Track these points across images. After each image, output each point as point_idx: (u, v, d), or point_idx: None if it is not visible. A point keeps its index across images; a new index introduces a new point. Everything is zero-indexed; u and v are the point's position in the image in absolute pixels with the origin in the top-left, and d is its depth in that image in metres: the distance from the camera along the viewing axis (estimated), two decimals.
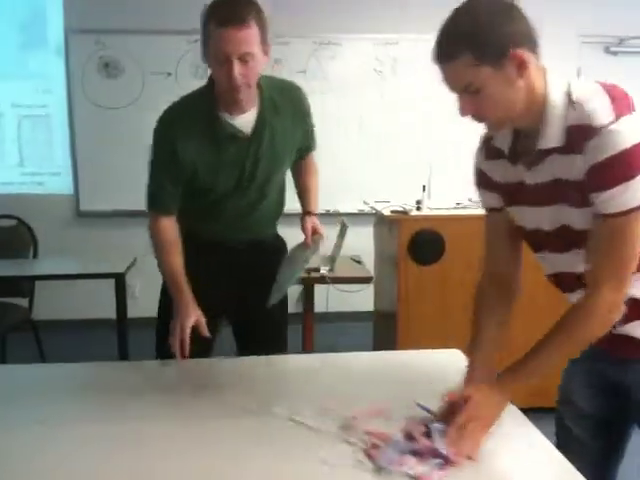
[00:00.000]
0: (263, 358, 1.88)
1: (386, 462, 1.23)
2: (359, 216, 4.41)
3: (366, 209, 4.03)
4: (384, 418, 1.42)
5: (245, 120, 1.84)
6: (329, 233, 3.66)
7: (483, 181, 1.55)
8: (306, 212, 2.09)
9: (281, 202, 2.14)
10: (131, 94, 4.58)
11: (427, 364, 1.82)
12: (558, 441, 1.52)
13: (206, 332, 1.78)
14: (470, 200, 3.45)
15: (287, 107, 1.93)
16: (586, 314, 1.32)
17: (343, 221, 3.35)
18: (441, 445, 1.24)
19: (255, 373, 1.77)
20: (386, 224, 3.36)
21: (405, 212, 3.16)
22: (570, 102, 1.26)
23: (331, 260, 3.33)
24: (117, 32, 4.52)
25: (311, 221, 2.04)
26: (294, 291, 4.68)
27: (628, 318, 1.34)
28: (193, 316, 1.77)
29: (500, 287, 1.58)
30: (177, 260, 1.88)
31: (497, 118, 1.33)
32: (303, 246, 2.03)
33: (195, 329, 1.77)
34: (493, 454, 1.29)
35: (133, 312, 3.36)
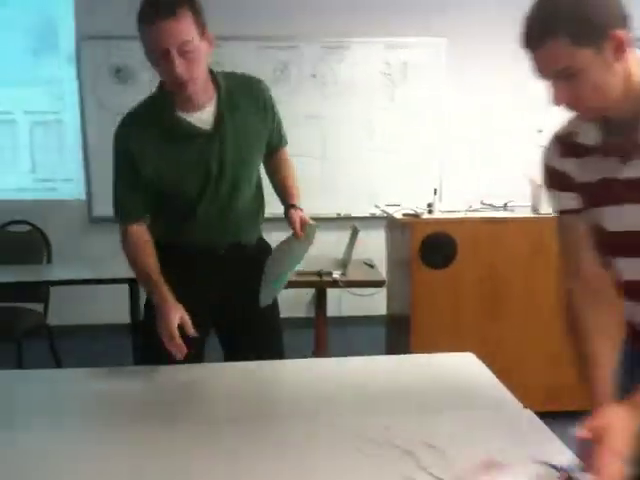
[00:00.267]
0: (278, 362, 1.89)
1: None
2: (370, 220, 4.41)
3: (377, 213, 4.03)
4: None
5: (203, 117, 1.80)
6: (340, 237, 3.70)
7: (558, 181, 1.42)
8: (290, 205, 1.96)
9: (259, 203, 2.05)
10: None
11: (441, 367, 1.82)
12: None
13: (192, 330, 1.72)
14: (482, 203, 3.45)
15: (247, 100, 1.88)
16: None
17: (354, 225, 3.35)
18: None
19: (276, 377, 1.78)
20: (398, 227, 3.36)
21: (417, 215, 3.16)
22: None
23: (343, 264, 3.33)
24: (128, 38, 4.48)
25: (296, 213, 1.92)
26: (306, 295, 4.69)
27: None
28: (177, 313, 1.73)
29: (597, 294, 1.40)
30: (151, 260, 1.84)
31: (593, 106, 1.22)
32: (292, 239, 1.92)
33: (181, 328, 1.72)
34: (507, 460, 1.28)
35: None
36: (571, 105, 1.25)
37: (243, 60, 4.54)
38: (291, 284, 3.25)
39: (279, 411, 1.55)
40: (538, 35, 1.19)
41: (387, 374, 1.79)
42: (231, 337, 2.07)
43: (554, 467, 1.21)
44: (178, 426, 1.46)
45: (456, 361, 1.86)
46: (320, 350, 3.43)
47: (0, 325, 3.49)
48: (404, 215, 3.20)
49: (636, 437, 1.13)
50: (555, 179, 1.43)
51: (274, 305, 2.07)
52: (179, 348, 1.70)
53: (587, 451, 1.12)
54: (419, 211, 3.20)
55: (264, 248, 2.07)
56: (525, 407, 1.53)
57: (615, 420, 1.15)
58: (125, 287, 3.20)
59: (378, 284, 3.30)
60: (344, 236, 3.50)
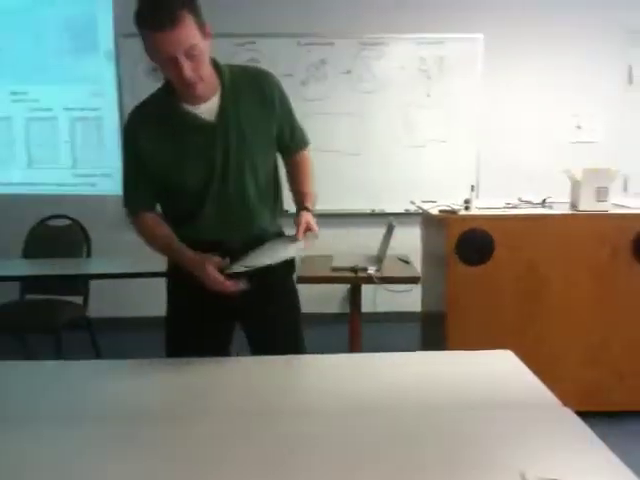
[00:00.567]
0: (312, 357, 1.90)
1: None
2: (405, 216, 4.40)
3: (412, 209, 4.01)
4: None
5: (207, 108, 1.80)
6: (375, 233, 3.69)
7: None
8: (302, 208, 1.92)
9: (273, 198, 2.01)
10: None
11: (478, 365, 1.80)
12: None
13: (223, 262, 1.76)
14: (520, 200, 3.41)
15: (252, 92, 1.86)
16: None
17: (390, 221, 3.34)
18: None
19: (311, 371, 1.79)
20: (434, 224, 3.34)
21: (453, 212, 3.13)
22: None
23: (378, 260, 3.33)
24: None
25: (306, 217, 1.87)
26: (341, 291, 4.70)
27: None
28: (209, 263, 1.76)
29: None
30: (167, 232, 1.88)
31: None
32: (291, 238, 1.87)
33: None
34: (548, 460, 1.27)
35: None
36: None
37: (279, 57, 4.56)
38: (326, 280, 3.29)
39: (312, 406, 1.55)
40: None
41: (423, 371, 1.78)
42: (253, 332, 2.06)
43: None
44: (209, 418, 1.48)
45: (493, 358, 1.84)
46: (354, 346, 3.43)
47: (41, 317, 3.57)
48: (440, 211, 3.18)
49: None
50: None
51: (294, 302, 2.08)
52: (231, 286, 1.75)
53: None
54: (456, 207, 3.17)
55: None
56: (564, 406, 1.51)
57: None
58: (162, 281, 3.24)
59: (413, 280, 3.29)
60: (379, 232, 3.50)
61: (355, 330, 3.45)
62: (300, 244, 1.84)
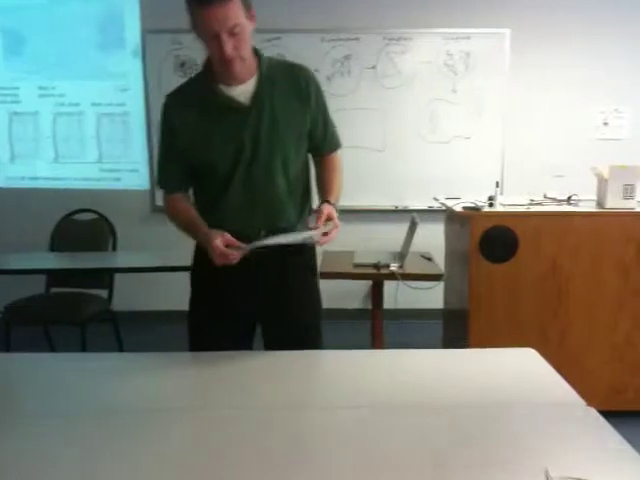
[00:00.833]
0: (334, 353, 1.90)
1: None
2: (428, 213, 4.38)
3: (436, 206, 3.99)
4: None
5: (243, 90, 1.84)
6: (398, 229, 3.68)
7: None
8: (324, 201, 1.91)
9: (302, 195, 2.00)
10: None
11: (501, 363, 1.79)
12: None
13: (236, 242, 1.76)
14: (545, 197, 3.38)
15: (288, 84, 1.89)
16: None
17: (413, 217, 3.33)
18: None
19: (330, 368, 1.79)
20: (457, 221, 3.32)
21: (477, 208, 3.11)
22: None
23: (401, 256, 3.32)
24: (192, 32, 4.62)
25: (327, 208, 1.86)
26: (363, 287, 4.69)
27: None
28: (217, 237, 1.76)
29: None
30: (189, 208, 1.93)
31: None
32: (308, 227, 1.88)
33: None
34: (572, 459, 1.26)
35: None
36: None
37: (304, 52, 4.56)
38: (348, 276, 3.29)
39: (333, 402, 1.55)
40: None
41: (446, 368, 1.78)
42: (271, 332, 2.04)
43: None
44: (231, 412, 1.49)
45: (516, 356, 1.83)
46: (376, 342, 3.43)
47: (66, 310, 3.62)
48: (464, 208, 3.16)
49: None
50: None
51: (315, 306, 2.06)
52: (231, 256, 1.74)
53: None
54: (480, 204, 3.15)
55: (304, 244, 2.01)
56: (588, 405, 1.49)
57: None
58: (186, 275, 3.26)
59: (436, 277, 3.28)
60: (401, 229, 3.49)
61: (377, 326, 3.45)
62: (318, 230, 1.82)
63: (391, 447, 1.31)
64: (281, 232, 1.88)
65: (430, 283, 3.34)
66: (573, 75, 4.66)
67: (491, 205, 3.15)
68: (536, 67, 4.68)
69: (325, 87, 4.84)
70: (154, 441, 1.35)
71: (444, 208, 3.61)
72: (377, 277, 3.28)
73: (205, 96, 1.84)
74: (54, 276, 3.86)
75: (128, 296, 4.22)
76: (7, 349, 3.48)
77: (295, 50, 4.56)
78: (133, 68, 4.80)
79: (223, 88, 1.83)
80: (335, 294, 2.11)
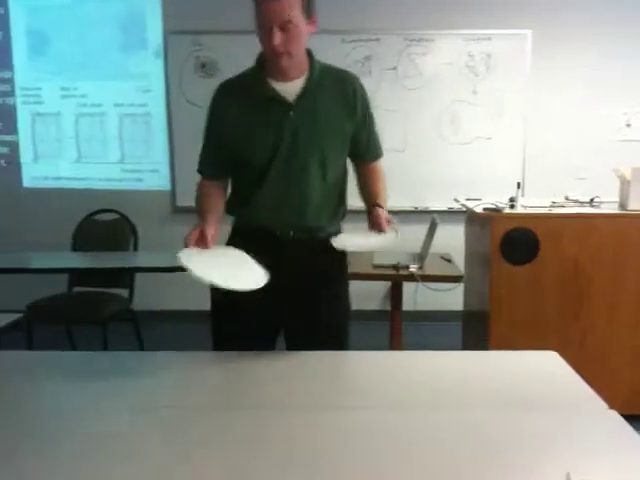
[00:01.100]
0: (353, 353, 1.90)
1: None
2: (448, 214, 4.36)
3: (456, 207, 3.97)
4: None
5: (290, 87, 1.88)
6: (418, 231, 3.67)
7: None
8: (375, 204, 1.94)
9: (337, 199, 2.01)
10: None
11: (522, 365, 1.78)
12: None
13: (207, 244, 1.76)
14: (567, 198, 3.35)
15: (337, 89, 1.93)
16: None
17: (433, 218, 3.32)
18: None
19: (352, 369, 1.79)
20: (478, 222, 3.30)
21: (498, 210, 3.09)
22: None
23: (420, 258, 3.31)
24: (214, 32, 4.65)
25: (384, 212, 1.90)
26: (382, 288, 4.69)
27: None
28: (212, 227, 1.78)
29: None
30: (212, 200, 1.92)
31: None
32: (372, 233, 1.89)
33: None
34: (593, 462, 1.24)
35: None
36: None
37: (325, 53, 4.53)
38: (367, 277, 3.28)
39: (352, 402, 1.55)
40: None
41: (467, 370, 1.77)
42: (296, 335, 2.02)
43: None
44: (252, 412, 1.50)
45: (538, 359, 1.81)
46: (395, 344, 3.42)
47: (88, 309, 3.66)
48: (485, 209, 3.14)
49: None
50: None
51: (343, 310, 2.05)
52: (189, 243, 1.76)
53: None
54: (500, 205, 3.13)
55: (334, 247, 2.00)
56: (610, 408, 1.48)
57: None
58: None
59: (455, 279, 3.27)
60: (421, 230, 3.48)
61: (396, 328, 3.44)
62: (391, 235, 1.86)
63: (410, 448, 1.31)
64: (311, 235, 1.93)
65: (450, 285, 3.33)
66: (595, 76, 4.62)
67: (512, 206, 3.13)
68: (557, 68, 4.64)
69: None
70: (177, 439, 1.36)
71: (464, 209, 3.60)
72: (396, 278, 3.28)
73: (253, 87, 1.89)
74: (76, 275, 3.90)
75: (148, 296, 4.25)
76: (30, 347, 3.52)
77: (315, 51, 4.52)
78: (155, 69, 4.84)
79: (271, 82, 1.87)
80: (354, 295, 2.10)
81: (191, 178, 2.06)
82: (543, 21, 4.58)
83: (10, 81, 4.94)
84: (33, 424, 1.32)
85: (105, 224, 4.08)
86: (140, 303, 3.92)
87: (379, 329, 3.71)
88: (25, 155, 5.02)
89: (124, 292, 3.81)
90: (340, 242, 1.88)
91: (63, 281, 3.90)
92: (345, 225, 2.05)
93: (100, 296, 3.75)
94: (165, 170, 4.90)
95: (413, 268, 3.18)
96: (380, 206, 1.93)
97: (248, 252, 1.89)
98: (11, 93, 4.96)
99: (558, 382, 1.66)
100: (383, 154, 2.10)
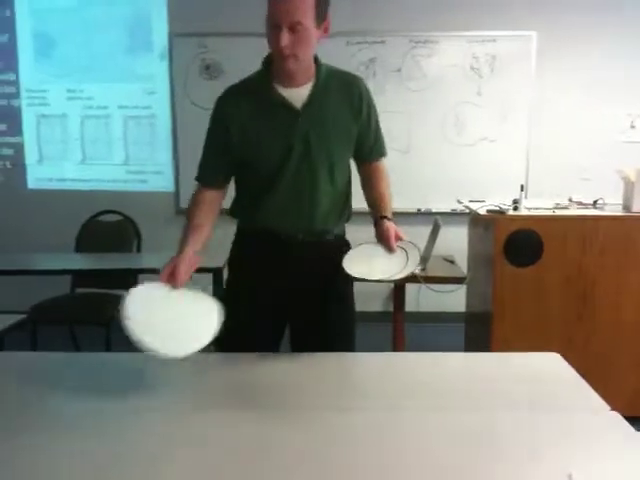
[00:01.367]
0: (356, 355, 1.90)
1: None
2: (451, 215, 4.37)
3: (459, 208, 3.97)
4: None
5: (297, 93, 1.85)
6: (421, 232, 3.66)
7: None
8: (382, 217, 1.92)
9: (344, 203, 2.01)
10: None
11: (525, 367, 1.78)
12: None
13: (179, 280, 1.73)
14: (570, 200, 3.34)
15: (343, 93, 1.90)
16: None
17: (436, 220, 3.31)
18: None
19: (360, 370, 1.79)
20: (481, 224, 3.30)
21: (502, 212, 3.09)
22: None
23: (423, 259, 3.30)
24: (219, 35, 4.66)
25: (391, 225, 1.88)
26: (384, 289, 4.68)
27: None
28: (187, 262, 1.76)
29: None
30: (202, 219, 1.88)
31: None
32: (382, 250, 1.85)
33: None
34: (596, 463, 1.24)
35: None
36: None
37: (329, 55, 4.54)
38: None
39: (354, 404, 1.55)
40: None
41: (469, 371, 1.77)
42: (303, 336, 2.02)
43: None
44: (256, 413, 1.50)
45: (541, 361, 1.81)
46: (398, 345, 3.42)
47: (91, 310, 3.66)
48: (488, 211, 3.14)
49: None
50: None
51: (349, 311, 2.04)
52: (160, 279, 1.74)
53: None
54: (504, 207, 3.13)
55: (344, 245, 2.03)
56: (612, 410, 1.48)
57: None
58: (208, 277, 3.29)
59: (458, 280, 3.27)
60: (424, 231, 3.47)
61: (398, 329, 3.44)
62: (415, 258, 1.83)
63: (413, 449, 1.31)
64: (319, 239, 1.93)
65: (452, 286, 3.33)
66: (599, 77, 4.61)
67: (516, 208, 3.13)
68: (562, 70, 4.63)
69: None
70: (179, 439, 1.36)
71: (467, 211, 3.59)
72: (399, 279, 3.27)
73: (260, 93, 1.85)
74: (80, 276, 3.91)
75: None
76: (33, 348, 3.53)
77: (320, 53, 4.52)
78: (160, 71, 4.85)
79: (279, 87, 1.85)
80: (356, 296, 2.10)
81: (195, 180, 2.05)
82: (548, 23, 4.58)
83: (15, 83, 4.96)
84: (36, 424, 1.32)
85: (109, 225, 4.09)
86: None
87: (382, 330, 3.70)
88: (30, 157, 5.03)
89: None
90: (357, 270, 1.79)
91: (67, 282, 3.91)
92: (350, 229, 2.06)
93: (104, 297, 3.76)
94: (169, 172, 4.91)
95: (416, 269, 3.18)
96: (388, 218, 1.91)
97: (255, 252, 1.92)
98: (16, 95, 4.97)
99: (561, 384, 1.65)
100: (387, 153, 2.09)
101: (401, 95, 4.68)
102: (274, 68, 1.85)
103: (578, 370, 1.72)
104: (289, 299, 1.96)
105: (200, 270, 3.34)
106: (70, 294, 3.92)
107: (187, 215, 1.93)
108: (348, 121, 1.91)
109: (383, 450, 1.31)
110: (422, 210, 4.69)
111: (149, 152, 4.95)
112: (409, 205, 4.65)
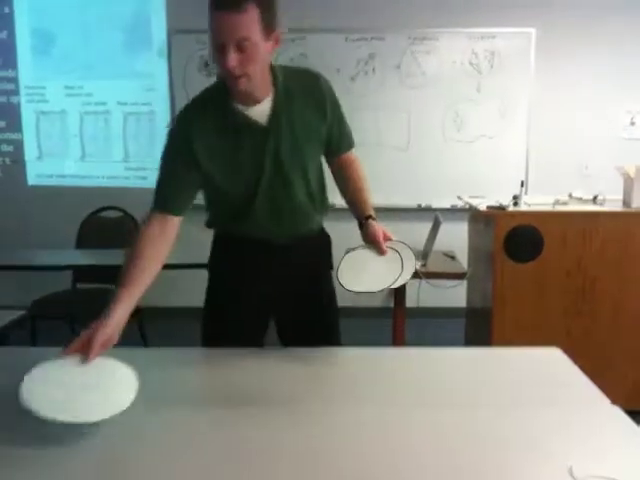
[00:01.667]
0: (355, 350, 1.90)
1: None
2: (452, 211, 4.37)
3: (459, 204, 3.97)
4: None
5: (259, 110, 1.72)
6: (421, 228, 3.67)
7: None
8: (367, 217, 1.84)
9: (321, 200, 1.96)
10: None
11: (526, 362, 1.78)
12: None
13: (92, 352, 1.57)
14: (570, 196, 3.35)
15: (305, 95, 1.79)
16: None
17: (437, 216, 3.32)
18: None
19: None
20: (482, 220, 3.30)
21: (502, 208, 3.10)
22: None
23: (424, 255, 3.32)
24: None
25: (379, 227, 1.80)
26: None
27: None
28: (104, 335, 1.61)
29: None
30: (144, 262, 1.72)
31: None
32: (375, 255, 1.77)
33: None
34: (596, 457, 1.25)
35: None
36: None
37: (328, 52, 4.57)
38: None
39: (354, 399, 1.55)
40: None
41: (470, 366, 1.78)
42: (287, 329, 2.03)
43: None
44: (251, 408, 1.50)
45: (541, 355, 1.81)
46: (398, 340, 3.43)
47: (92, 305, 3.65)
48: (488, 207, 3.14)
49: None
50: None
51: (331, 304, 2.04)
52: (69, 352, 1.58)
53: None
54: (504, 203, 3.13)
55: (323, 243, 2.03)
56: (613, 404, 1.48)
57: None
58: (206, 272, 3.29)
59: (459, 276, 3.27)
60: (425, 227, 3.48)
61: (399, 324, 3.44)
62: (410, 257, 1.77)
63: (413, 445, 1.31)
64: (305, 240, 1.92)
65: (453, 282, 3.33)
66: (599, 74, 4.61)
67: (516, 204, 3.13)
68: (561, 66, 4.64)
69: (349, 86, 4.86)
70: (176, 435, 1.37)
71: (467, 207, 3.60)
72: None
73: (223, 113, 1.73)
74: (80, 272, 3.92)
75: (152, 292, 4.24)
76: (34, 344, 3.54)
77: (319, 50, 4.57)
78: (159, 68, 4.85)
79: (239, 107, 1.72)
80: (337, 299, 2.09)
81: None
82: (547, 19, 4.58)
83: (14, 80, 4.96)
84: (35, 421, 1.32)
85: (109, 221, 4.09)
86: (143, 300, 3.92)
87: (382, 326, 3.71)
88: (30, 153, 5.03)
89: None
90: (358, 286, 1.73)
91: (67, 278, 3.92)
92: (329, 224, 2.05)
93: (104, 292, 3.76)
94: None
95: (416, 265, 3.18)
96: (372, 218, 1.84)
97: (237, 255, 1.91)
98: (16, 92, 4.97)
99: (561, 378, 1.66)
100: (354, 144, 2.01)
101: (400, 92, 4.68)
102: (229, 88, 1.68)
103: (578, 364, 1.72)
104: (274, 298, 1.95)
105: (201, 266, 3.35)
106: (71, 290, 3.93)
107: (133, 251, 1.71)
108: (316, 124, 1.83)
109: (382, 446, 1.31)
110: (422, 206, 4.69)
111: (148, 148, 4.95)
112: (409, 201, 4.66)
